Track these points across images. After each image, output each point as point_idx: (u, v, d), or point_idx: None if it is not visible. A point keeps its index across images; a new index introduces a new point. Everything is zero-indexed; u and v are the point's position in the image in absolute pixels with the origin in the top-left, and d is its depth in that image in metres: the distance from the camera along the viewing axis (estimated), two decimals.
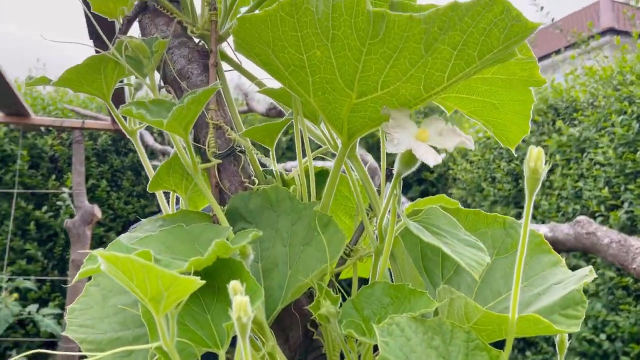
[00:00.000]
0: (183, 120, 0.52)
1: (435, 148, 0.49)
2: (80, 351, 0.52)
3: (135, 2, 0.73)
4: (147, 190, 0.67)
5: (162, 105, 0.56)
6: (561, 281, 0.58)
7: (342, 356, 0.58)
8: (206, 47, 0.72)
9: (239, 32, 0.51)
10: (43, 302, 4.26)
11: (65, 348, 2.96)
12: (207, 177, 0.67)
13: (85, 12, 1.64)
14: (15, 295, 3.47)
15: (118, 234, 4.69)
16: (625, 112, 3.18)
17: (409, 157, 0.49)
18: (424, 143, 0.49)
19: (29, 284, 3.79)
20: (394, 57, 0.47)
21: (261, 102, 2.61)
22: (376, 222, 0.66)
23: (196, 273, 0.47)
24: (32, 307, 3.67)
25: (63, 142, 4.56)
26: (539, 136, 3.69)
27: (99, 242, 4.64)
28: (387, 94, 0.51)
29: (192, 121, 0.55)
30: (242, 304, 0.32)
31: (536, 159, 0.42)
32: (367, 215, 0.66)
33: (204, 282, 0.39)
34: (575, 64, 4.04)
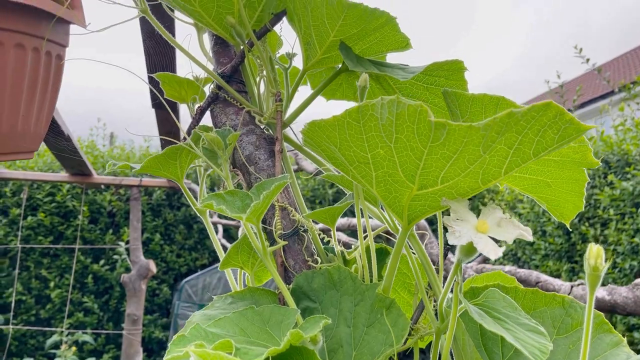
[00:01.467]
0: (258, 212, 0.57)
1: (494, 239, 0.52)
2: None
3: (208, 94, 0.80)
4: (218, 269, 0.71)
5: (236, 196, 0.61)
6: None
7: None
8: (271, 133, 0.77)
9: (308, 133, 0.56)
10: (98, 354, 4.36)
11: None
12: (272, 255, 0.72)
13: (150, 90, 1.75)
14: (74, 348, 3.57)
15: (170, 287, 4.79)
16: None
17: (470, 248, 0.52)
18: (484, 235, 0.51)
19: (87, 337, 3.91)
20: (454, 158, 0.50)
21: (310, 161, 2.67)
22: (435, 301, 0.68)
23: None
24: None
25: (120, 197, 4.76)
26: (590, 189, 3.60)
27: (151, 294, 4.75)
28: (447, 187, 0.55)
29: (265, 211, 0.60)
30: None
31: (596, 257, 0.44)
32: (427, 293, 0.69)
33: None
34: (625, 115, 3.97)
